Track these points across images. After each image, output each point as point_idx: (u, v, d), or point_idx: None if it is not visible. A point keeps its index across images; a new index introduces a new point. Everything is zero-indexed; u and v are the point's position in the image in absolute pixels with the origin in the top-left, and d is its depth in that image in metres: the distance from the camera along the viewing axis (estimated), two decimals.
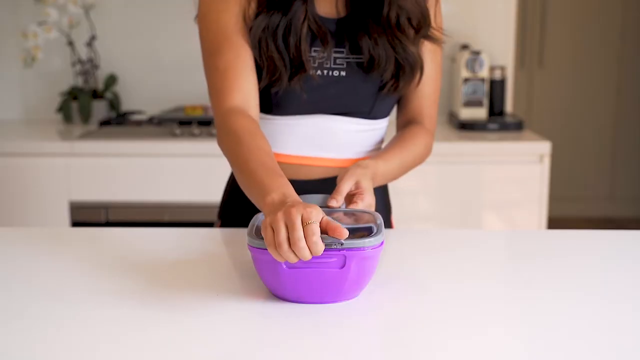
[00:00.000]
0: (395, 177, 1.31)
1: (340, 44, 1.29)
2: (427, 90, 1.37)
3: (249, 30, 1.26)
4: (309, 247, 0.91)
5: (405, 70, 1.30)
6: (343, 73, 1.30)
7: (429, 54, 1.35)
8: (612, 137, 4.46)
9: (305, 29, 1.26)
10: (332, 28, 1.29)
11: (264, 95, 1.30)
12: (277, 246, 0.92)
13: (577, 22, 4.34)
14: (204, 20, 1.28)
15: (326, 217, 0.95)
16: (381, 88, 1.31)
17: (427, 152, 1.38)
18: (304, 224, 0.92)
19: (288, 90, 1.28)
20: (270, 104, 1.30)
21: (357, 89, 1.31)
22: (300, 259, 0.93)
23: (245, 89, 1.24)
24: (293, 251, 0.92)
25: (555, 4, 4.32)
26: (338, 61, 1.30)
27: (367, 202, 1.14)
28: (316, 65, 1.29)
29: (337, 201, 1.10)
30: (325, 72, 1.29)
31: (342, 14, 1.30)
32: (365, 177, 1.17)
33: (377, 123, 1.36)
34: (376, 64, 1.28)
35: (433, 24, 1.32)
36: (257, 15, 1.26)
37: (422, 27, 1.29)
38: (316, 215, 0.93)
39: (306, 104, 1.30)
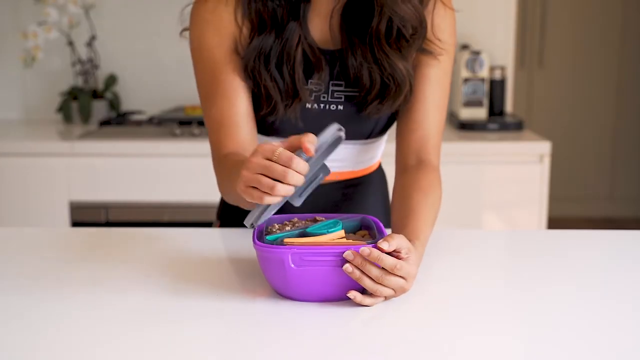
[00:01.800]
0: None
1: (337, 76, 1.24)
2: (432, 119, 1.26)
3: (242, 58, 1.21)
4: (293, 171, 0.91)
5: (391, 89, 1.22)
6: (341, 107, 1.25)
7: (435, 78, 1.26)
8: (612, 137, 4.45)
9: (299, 55, 1.20)
10: (326, 58, 1.24)
11: (262, 121, 1.26)
12: (270, 190, 0.91)
13: (577, 22, 4.34)
14: (197, 54, 1.24)
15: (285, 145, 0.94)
16: (364, 108, 1.24)
17: (440, 195, 1.23)
18: (273, 158, 0.91)
19: (284, 120, 1.24)
20: (266, 129, 1.27)
21: (356, 121, 1.26)
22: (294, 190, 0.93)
23: (240, 140, 1.21)
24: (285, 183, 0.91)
25: (555, 4, 4.32)
26: (336, 94, 1.25)
27: (406, 269, 0.98)
28: (313, 98, 1.24)
29: (389, 245, 0.96)
30: (322, 105, 1.25)
31: (338, 42, 1.24)
32: (414, 251, 1.01)
33: (376, 139, 1.34)
34: (360, 85, 1.22)
35: (430, 34, 1.24)
36: (250, 40, 1.21)
37: (417, 35, 1.20)
38: (271, 145, 0.92)
39: (303, 132, 1.27)
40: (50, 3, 2.78)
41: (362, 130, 1.29)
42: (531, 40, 4.36)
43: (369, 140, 1.33)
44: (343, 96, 1.25)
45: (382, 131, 1.33)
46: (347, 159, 1.33)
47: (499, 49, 2.93)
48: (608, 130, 4.45)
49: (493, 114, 2.80)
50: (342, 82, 1.25)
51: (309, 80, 1.23)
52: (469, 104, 2.75)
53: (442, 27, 1.26)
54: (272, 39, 1.20)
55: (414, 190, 1.19)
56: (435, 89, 1.26)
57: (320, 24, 1.24)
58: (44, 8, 2.77)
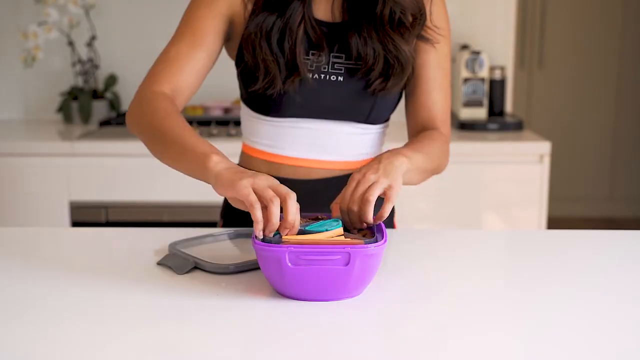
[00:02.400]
0: (426, 169, 1.26)
1: (339, 49, 1.29)
2: (436, 98, 1.34)
3: (244, 31, 1.27)
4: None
5: (395, 69, 1.28)
6: (341, 78, 1.29)
7: (435, 62, 1.33)
8: (612, 137, 4.46)
9: (301, 32, 1.25)
10: (328, 32, 1.28)
11: (262, 96, 1.30)
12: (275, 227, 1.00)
13: (577, 22, 4.34)
14: (186, 10, 1.31)
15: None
16: (368, 86, 1.29)
17: (446, 154, 1.34)
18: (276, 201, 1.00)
19: (283, 93, 1.28)
20: (268, 105, 1.30)
21: (355, 94, 1.29)
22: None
23: (178, 84, 1.25)
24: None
25: (555, 4, 4.32)
26: (337, 66, 1.29)
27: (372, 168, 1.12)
28: (313, 68, 1.28)
29: (334, 209, 1.13)
30: (322, 76, 1.28)
31: (339, 19, 1.29)
32: (378, 158, 1.14)
33: (375, 127, 1.35)
34: (363, 61, 1.27)
35: (429, 22, 1.30)
36: (252, 15, 1.27)
37: (417, 22, 1.27)
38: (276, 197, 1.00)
39: (302, 107, 1.30)
40: (50, 3, 2.78)
41: (361, 108, 1.31)
42: (531, 40, 4.36)
43: (367, 127, 1.34)
44: (344, 68, 1.29)
45: (382, 118, 1.34)
46: (347, 145, 1.33)
47: (499, 49, 2.94)
48: (608, 130, 4.45)
49: (493, 114, 2.80)
50: (343, 55, 1.29)
51: (311, 52, 1.28)
52: (469, 104, 2.75)
53: (438, 13, 1.33)
54: (275, 16, 1.26)
55: (421, 135, 1.31)
56: (435, 71, 1.34)
57: (325, 3, 1.29)
58: (44, 8, 2.77)
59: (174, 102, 1.23)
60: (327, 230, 1.03)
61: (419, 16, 1.27)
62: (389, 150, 1.18)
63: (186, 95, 1.27)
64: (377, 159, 1.14)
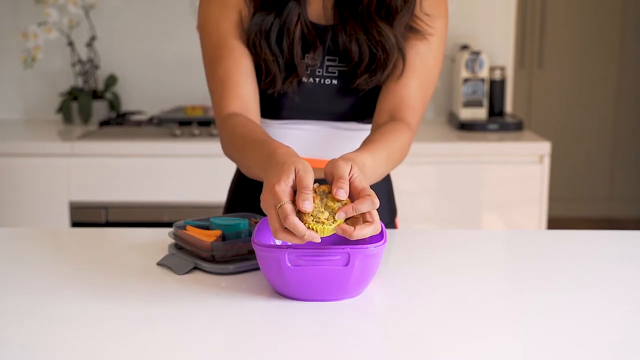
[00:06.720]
0: (382, 173, 1.18)
1: (332, 52, 1.29)
2: (410, 86, 1.28)
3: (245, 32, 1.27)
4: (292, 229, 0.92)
5: (380, 58, 1.25)
6: (335, 82, 1.29)
7: (415, 53, 1.29)
8: (611, 137, 4.46)
9: (298, 32, 1.26)
10: (321, 34, 1.29)
11: (263, 98, 1.30)
12: (273, 234, 0.94)
13: (576, 22, 4.34)
14: (204, 29, 1.30)
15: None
16: (354, 81, 1.27)
17: (407, 149, 1.26)
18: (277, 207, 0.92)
19: (282, 94, 1.29)
20: (268, 107, 1.31)
21: (348, 96, 1.30)
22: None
23: (243, 95, 1.25)
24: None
25: (555, 4, 4.32)
26: (330, 69, 1.29)
27: (375, 200, 0.96)
28: (309, 72, 1.29)
29: (345, 191, 0.95)
30: (317, 80, 1.29)
31: (331, 21, 1.29)
32: (355, 166, 1.01)
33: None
34: (350, 56, 1.26)
35: (418, 11, 1.27)
36: (252, 16, 1.27)
37: (405, 6, 1.25)
38: (284, 191, 0.93)
39: (300, 108, 1.30)
40: (50, 3, 2.78)
41: (356, 109, 1.31)
42: (531, 40, 4.36)
43: (366, 126, 1.34)
44: (337, 71, 1.29)
45: None
46: (349, 143, 1.33)
47: (499, 49, 2.94)
48: (608, 130, 4.45)
49: (493, 114, 2.80)
50: (336, 58, 1.29)
51: (305, 55, 1.28)
52: (469, 104, 2.75)
53: (431, 6, 1.28)
54: (273, 16, 1.26)
55: (374, 133, 1.22)
56: (414, 59, 1.28)
57: (315, 2, 1.29)
58: (44, 8, 2.78)
59: (246, 116, 1.23)
60: (226, 225, 1.12)
61: (407, 3, 1.25)
62: (354, 158, 1.04)
63: (255, 102, 1.28)
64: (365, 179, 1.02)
